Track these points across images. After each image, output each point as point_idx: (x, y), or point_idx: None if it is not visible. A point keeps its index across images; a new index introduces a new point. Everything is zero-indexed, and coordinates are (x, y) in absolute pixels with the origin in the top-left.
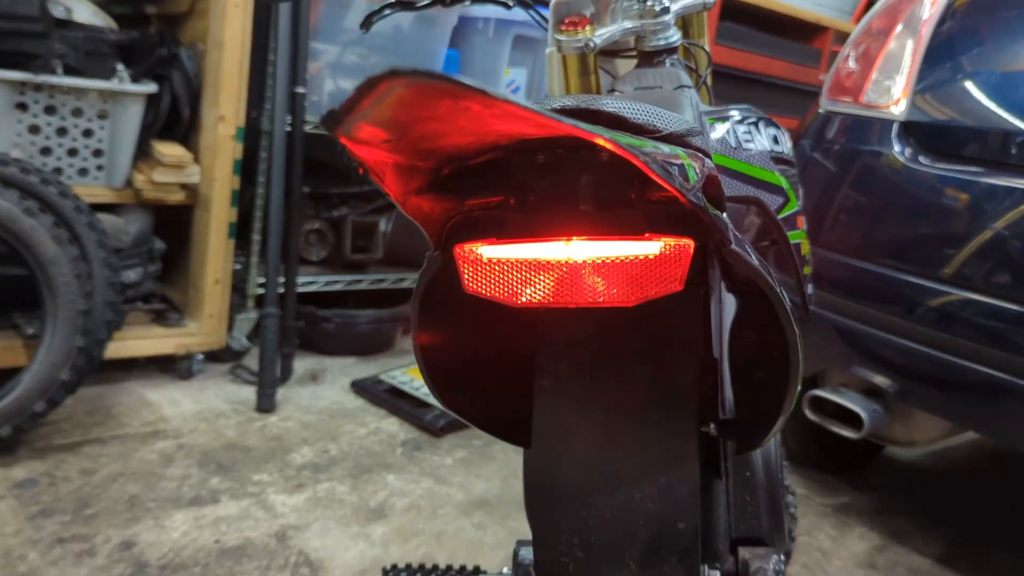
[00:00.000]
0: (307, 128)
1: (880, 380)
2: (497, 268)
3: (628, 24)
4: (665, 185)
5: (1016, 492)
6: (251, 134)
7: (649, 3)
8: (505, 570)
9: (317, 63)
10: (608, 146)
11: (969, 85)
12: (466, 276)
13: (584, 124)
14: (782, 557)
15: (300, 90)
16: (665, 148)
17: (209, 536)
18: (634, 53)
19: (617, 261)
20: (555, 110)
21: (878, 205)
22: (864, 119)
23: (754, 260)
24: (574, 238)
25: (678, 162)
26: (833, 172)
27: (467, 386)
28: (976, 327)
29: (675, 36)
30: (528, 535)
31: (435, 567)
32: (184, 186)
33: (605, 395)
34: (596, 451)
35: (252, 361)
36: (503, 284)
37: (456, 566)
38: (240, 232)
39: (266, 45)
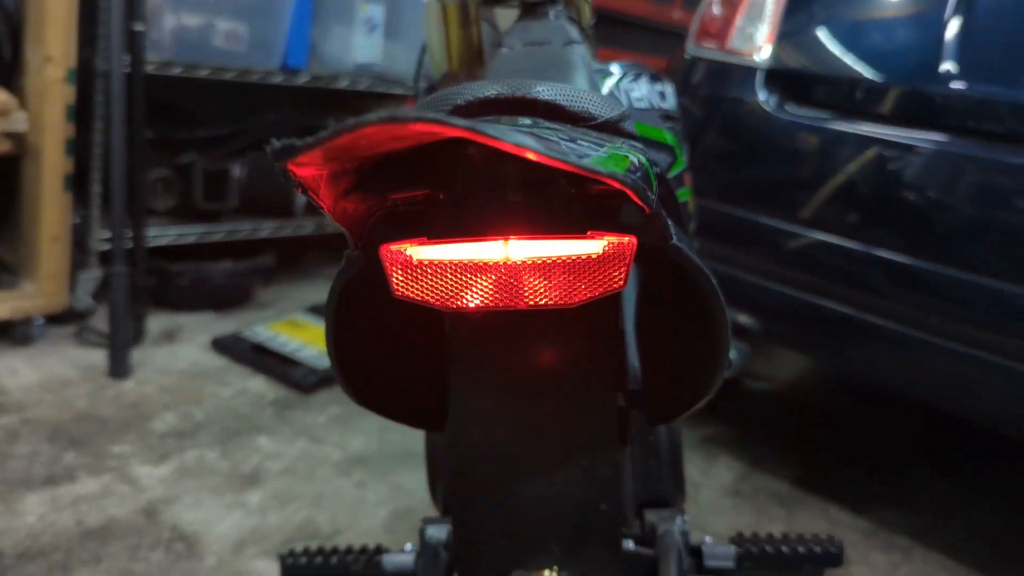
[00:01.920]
0: (149, 69)
1: (745, 320)
2: (429, 271)
3: None
4: (639, 202)
5: (862, 417)
6: (85, 76)
7: None
8: (408, 547)
9: None
10: (580, 170)
11: (826, 33)
12: (395, 280)
13: (534, 142)
14: (686, 518)
15: (139, 27)
16: (617, 146)
17: (69, 517)
18: (516, 3)
19: (559, 261)
20: (486, 99)
21: (743, 151)
22: (730, 66)
23: (694, 256)
24: (512, 237)
25: (640, 170)
26: (700, 117)
27: (381, 380)
28: (830, 267)
29: None
30: (423, 505)
31: (335, 549)
32: (8, 135)
33: (524, 378)
34: (516, 435)
35: (100, 322)
36: (436, 288)
37: (357, 546)
38: (79, 184)
39: None
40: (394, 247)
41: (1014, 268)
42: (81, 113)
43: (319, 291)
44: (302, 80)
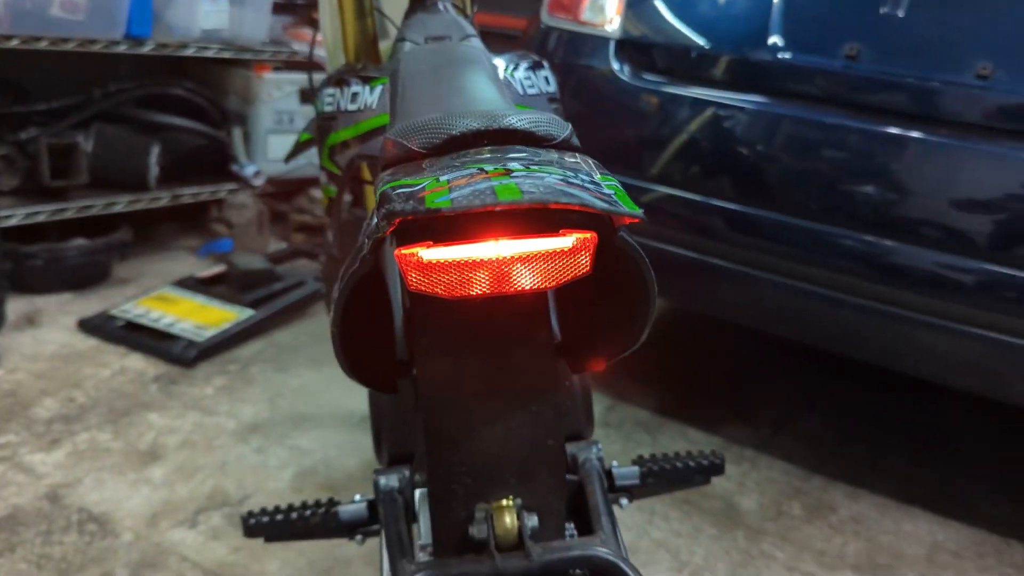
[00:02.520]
0: None
1: None
2: (437, 268)
3: None
4: (627, 222)
5: (709, 348)
6: None
7: None
8: (357, 497)
9: None
10: (599, 209)
11: (669, 6)
12: (410, 277)
13: (561, 196)
14: (599, 446)
15: None
16: (594, 175)
17: None
18: None
19: (539, 255)
20: (477, 131)
21: (598, 116)
22: (583, 36)
23: (635, 246)
24: (501, 238)
25: (611, 190)
26: (557, 84)
27: (357, 354)
28: (677, 217)
29: None
30: (323, 466)
31: (291, 506)
32: None
33: (480, 343)
34: (476, 389)
35: None
36: (444, 282)
37: (311, 501)
38: None
39: None
40: (406, 250)
41: (828, 211)
42: None
43: (179, 263)
44: (147, 48)
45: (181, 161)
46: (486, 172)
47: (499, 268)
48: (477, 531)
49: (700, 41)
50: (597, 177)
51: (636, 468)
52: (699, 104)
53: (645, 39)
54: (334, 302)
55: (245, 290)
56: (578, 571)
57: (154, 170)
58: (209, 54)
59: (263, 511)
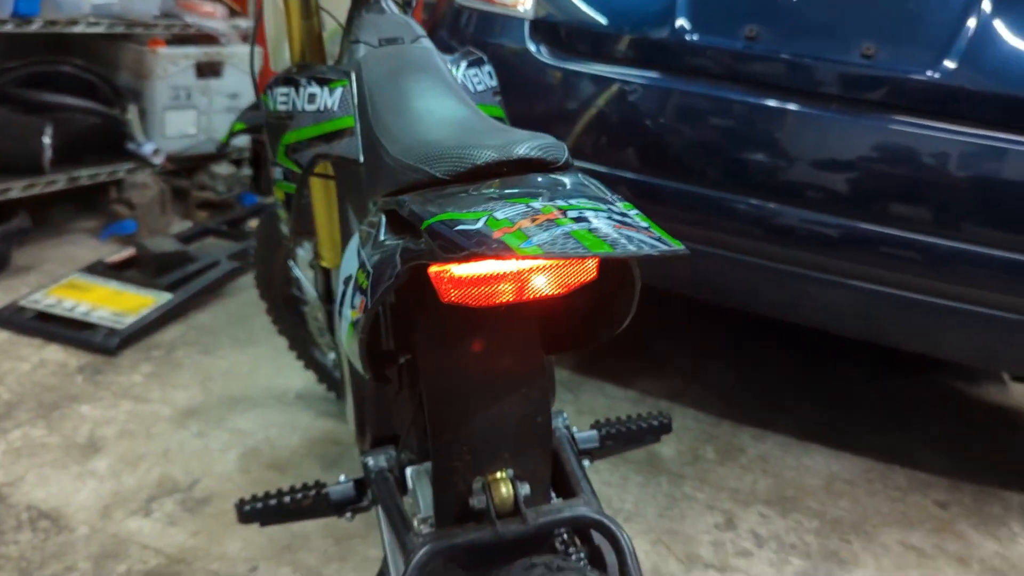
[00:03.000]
0: None
1: None
2: (467, 282)
3: None
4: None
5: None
6: None
7: None
8: (342, 478)
9: None
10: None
11: None
12: (443, 290)
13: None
14: (565, 414)
15: None
16: (618, 205)
17: None
18: None
19: (554, 266)
20: (497, 161)
21: (514, 96)
22: (497, 16)
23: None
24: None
25: (646, 223)
26: None
27: (381, 357)
28: None
29: None
30: (266, 446)
31: (280, 491)
32: None
33: (478, 338)
34: (476, 379)
35: None
36: (473, 293)
37: (298, 485)
38: None
39: None
40: (438, 267)
41: (723, 178)
42: None
43: (81, 248)
44: (35, 27)
45: (75, 142)
46: (539, 211)
47: (520, 280)
48: (477, 501)
49: (613, 22)
50: (621, 206)
51: (595, 432)
52: (609, 81)
53: (559, 20)
54: (365, 314)
55: (159, 273)
56: (562, 530)
57: (48, 152)
58: (99, 30)
59: (255, 498)
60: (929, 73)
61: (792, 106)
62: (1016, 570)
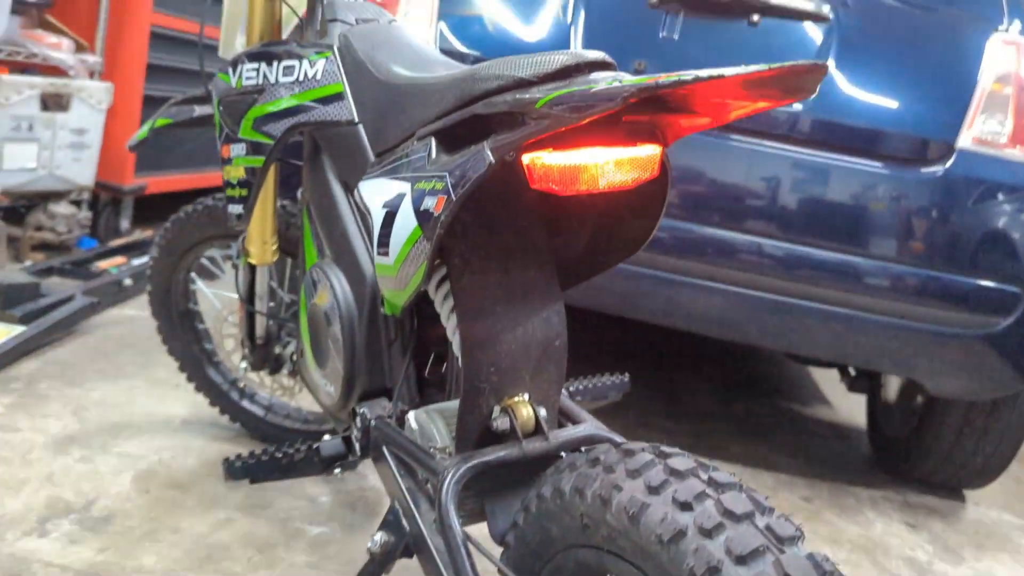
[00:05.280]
0: None
1: None
2: (555, 169)
3: None
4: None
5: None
6: None
7: None
8: (327, 437)
9: None
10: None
11: (479, 20)
12: (533, 175)
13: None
14: None
15: None
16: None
17: None
18: None
19: (627, 160)
20: (569, 65)
21: None
22: None
23: (668, 160)
24: (599, 146)
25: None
26: None
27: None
28: None
29: None
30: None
31: (268, 449)
32: None
33: (503, 267)
34: (503, 304)
35: None
36: (559, 179)
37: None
38: None
39: None
40: (531, 154)
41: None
42: None
43: None
44: None
45: None
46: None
47: (599, 170)
48: (499, 424)
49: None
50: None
51: (565, 389)
52: None
53: (461, 51)
54: (448, 208)
55: (8, 305)
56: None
57: None
58: None
59: (241, 456)
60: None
61: None
62: (879, 547)
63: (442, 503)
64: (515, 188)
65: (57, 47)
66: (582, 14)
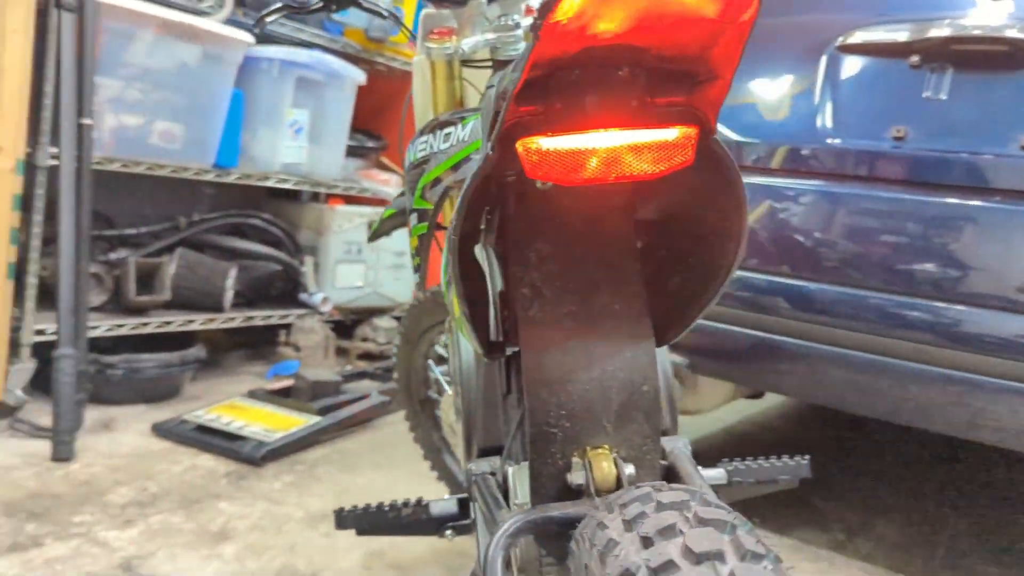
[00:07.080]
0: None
1: (673, 357)
2: (553, 155)
3: (488, 36)
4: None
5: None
6: (32, 168)
7: (503, 19)
8: (446, 496)
9: (97, 98)
10: None
11: None
12: (528, 164)
13: None
14: (688, 442)
15: (87, 121)
16: None
17: None
18: (490, 63)
19: (647, 145)
20: None
21: None
22: None
23: (726, 148)
24: (612, 128)
25: None
26: None
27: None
28: (741, 298)
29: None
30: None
31: (380, 504)
32: None
33: (579, 290)
34: (575, 337)
35: (31, 414)
36: (559, 167)
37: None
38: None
39: (41, 76)
40: (526, 140)
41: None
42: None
43: (247, 385)
44: (233, 178)
45: (256, 286)
46: None
47: (610, 156)
48: (575, 478)
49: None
50: None
51: (722, 469)
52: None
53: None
54: (461, 199)
55: (313, 398)
56: None
57: (229, 293)
58: (287, 186)
59: (354, 507)
60: None
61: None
62: None
63: (488, 558)
64: (605, 216)
65: (386, 183)
66: (831, 84)
